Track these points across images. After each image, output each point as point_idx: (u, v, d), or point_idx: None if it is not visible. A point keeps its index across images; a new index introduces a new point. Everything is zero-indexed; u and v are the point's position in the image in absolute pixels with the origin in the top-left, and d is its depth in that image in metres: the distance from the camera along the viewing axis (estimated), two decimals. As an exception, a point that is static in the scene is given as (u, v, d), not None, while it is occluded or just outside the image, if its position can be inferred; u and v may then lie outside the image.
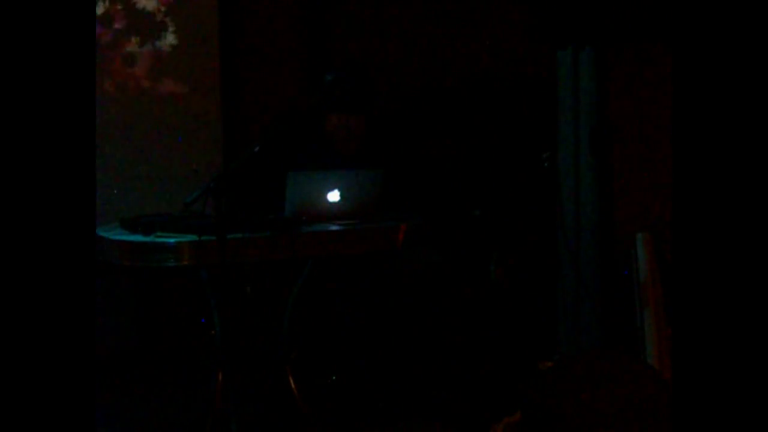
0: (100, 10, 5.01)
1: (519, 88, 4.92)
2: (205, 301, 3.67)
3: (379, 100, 4.32)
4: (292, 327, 3.81)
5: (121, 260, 3.46)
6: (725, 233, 2.11)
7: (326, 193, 3.69)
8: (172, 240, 3.37)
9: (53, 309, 2.09)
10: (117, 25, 5.05)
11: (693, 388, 2.11)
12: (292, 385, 3.77)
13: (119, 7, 5.03)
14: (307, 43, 5.24)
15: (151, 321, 5.16)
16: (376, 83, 4.34)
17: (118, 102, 5.08)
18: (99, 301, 3.06)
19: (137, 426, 4.15)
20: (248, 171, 3.59)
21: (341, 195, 3.69)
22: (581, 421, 2.82)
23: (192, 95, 5.12)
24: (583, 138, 3.95)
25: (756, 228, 2.09)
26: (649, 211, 3.80)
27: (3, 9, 2.11)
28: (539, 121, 4.43)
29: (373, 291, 4.08)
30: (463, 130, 5.03)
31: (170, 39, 5.10)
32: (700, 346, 2.11)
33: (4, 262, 2.06)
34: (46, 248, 2.09)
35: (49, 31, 2.13)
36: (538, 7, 3.75)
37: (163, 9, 5.08)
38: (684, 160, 2.17)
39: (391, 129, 4.71)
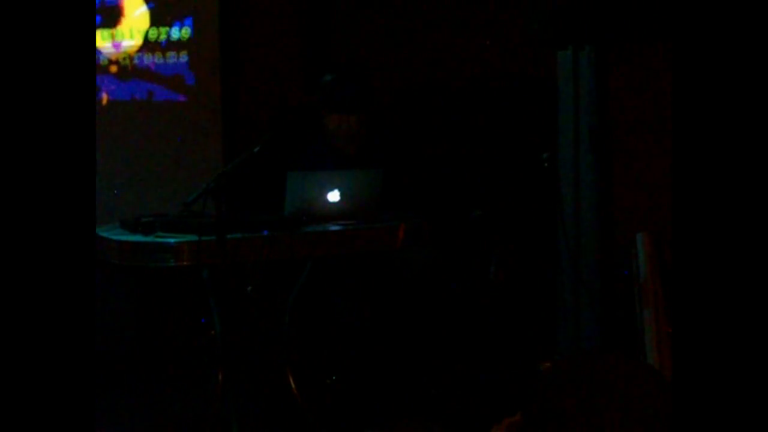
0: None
1: (519, 88, 4.92)
2: (205, 301, 3.67)
3: (379, 100, 4.32)
4: (292, 327, 3.81)
5: (121, 260, 3.46)
6: (725, 233, 2.11)
7: (326, 193, 3.69)
8: (172, 240, 3.37)
9: (53, 309, 2.09)
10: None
11: (693, 388, 2.11)
12: (292, 385, 3.77)
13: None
14: (307, 43, 5.25)
15: (151, 321, 5.16)
16: (376, 83, 4.33)
17: (118, 102, 5.09)
18: (99, 301, 3.06)
19: (137, 426, 4.15)
20: (248, 171, 3.59)
21: (341, 195, 3.69)
22: (581, 421, 2.82)
23: (192, 95, 5.12)
24: (583, 138, 3.95)
25: (756, 228, 2.09)
26: (649, 211, 3.80)
27: (3, 10, 2.11)
28: (539, 121, 4.43)
29: (373, 291, 4.08)
30: (463, 130, 5.03)
31: (170, 39, 5.10)
32: (700, 346, 2.11)
33: (4, 263, 2.06)
34: (46, 248, 2.09)
35: (49, 32, 2.13)
36: (538, 7, 3.75)
37: (163, 9, 5.09)
38: (684, 159, 2.17)
39: (391, 129, 4.71)
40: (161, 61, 5.11)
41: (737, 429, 2.06)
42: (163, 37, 5.11)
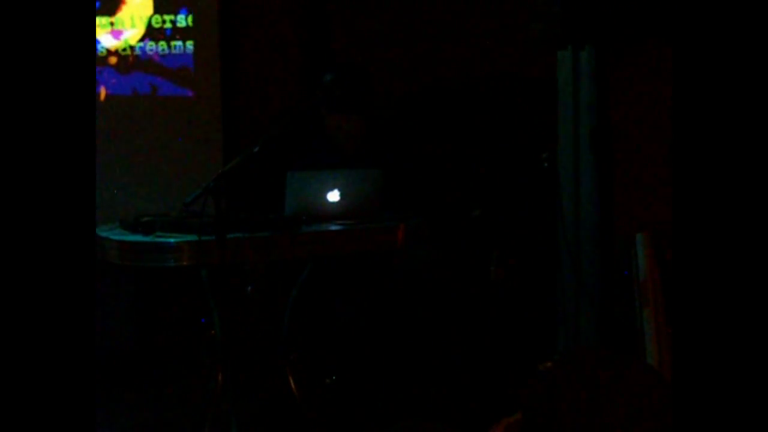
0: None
1: (519, 88, 4.92)
2: (205, 301, 3.67)
3: (379, 100, 4.32)
4: (292, 327, 3.81)
5: (121, 260, 3.46)
6: (725, 233, 2.11)
7: (326, 193, 3.69)
8: (172, 240, 3.37)
9: (53, 309, 2.08)
10: (118, 26, 5.00)
11: (693, 388, 2.11)
12: (292, 385, 3.77)
13: (120, 8, 5.00)
14: (307, 43, 5.25)
15: (151, 321, 5.16)
16: (376, 83, 4.33)
17: (118, 102, 5.06)
18: (99, 301, 3.06)
19: (137, 426, 4.16)
20: (248, 171, 3.59)
21: (341, 195, 3.69)
22: (581, 422, 2.82)
23: (192, 96, 5.11)
24: (583, 138, 3.95)
25: (756, 228, 2.09)
26: (649, 211, 3.80)
27: (3, 9, 2.11)
28: (539, 121, 4.43)
29: (373, 291, 4.08)
30: (463, 130, 5.03)
31: (170, 39, 5.06)
32: (700, 346, 2.11)
33: (4, 263, 2.06)
34: (46, 248, 2.09)
35: (49, 31, 2.13)
36: (538, 7, 3.75)
37: (163, 9, 5.05)
38: (684, 159, 2.17)
39: (391, 129, 4.71)
40: (166, 51, 4.94)
41: (737, 429, 2.06)
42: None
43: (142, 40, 4.88)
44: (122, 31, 4.88)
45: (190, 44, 4.90)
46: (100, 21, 4.80)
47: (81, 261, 2.12)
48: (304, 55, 5.22)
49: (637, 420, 2.82)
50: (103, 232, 3.56)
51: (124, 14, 4.84)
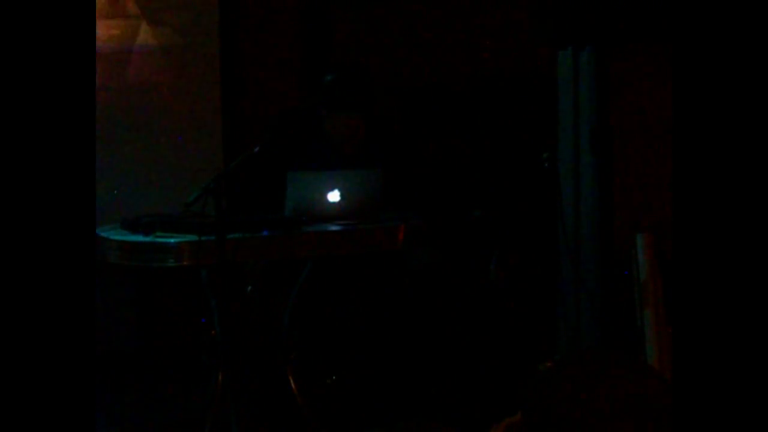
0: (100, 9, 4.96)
1: (519, 88, 4.93)
2: (205, 301, 3.67)
3: (379, 100, 4.32)
4: (292, 327, 3.81)
5: (121, 260, 3.46)
6: (725, 233, 2.11)
7: (326, 193, 3.69)
8: (172, 240, 3.37)
9: (53, 309, 2.08)
10: (118, 25, 4.99)
11: (693, 388, 2.11)
12: (292, 385, 3.77)
13: (120, 7, 4.99)
14: (307, 44, 5.25)
15: (151, 321, 5.16)
16: (376, 83, 4.33)
17: (118, 102, 5.06)
18: (99, 301, 3.06)
19: (137, 426, 4.15)
20: (248, 171, 3.59)
21: (341, 195, 3.70)
22: (581, 421, 2.82)
23: (192, 95, 5.10)
24: (583, 138, 3.95)
25: (756, 228, 2.09)
26: (649, 211, 3.80)
27: (3, 9, 2.11)
28: (539, 121, 4.43)
29: (373, 291, 4.08)
30: (463, 130, 5.03)
31: (171, 39, 5.06)
32: (700, 346, 2.11)
33: (4, 263, 2.06)
34: (46, 248, 2.09)
35: (49, 31, 2.13)
36: (538, 6, 3.75)
37: (163, 9, 5.05)
38: (684, 159, 2.17)
39: (391, 129, 4.71)
40: (164, 55, 4.96)
41: (737, 429, 2.06)
42: (162, 38, 4.93)
43: (140, 41, 4.89)
44: (120, 33, 4.88)
45: (191, 41, 4.89)
46: (99, 23, 4.79)
47: (81, 261, 2.12)
48: (304, 55, 5.23)
49: (637, 420, 2.82)
50: (103, 232, 3.56)
51: (120, 15, 4.86)
